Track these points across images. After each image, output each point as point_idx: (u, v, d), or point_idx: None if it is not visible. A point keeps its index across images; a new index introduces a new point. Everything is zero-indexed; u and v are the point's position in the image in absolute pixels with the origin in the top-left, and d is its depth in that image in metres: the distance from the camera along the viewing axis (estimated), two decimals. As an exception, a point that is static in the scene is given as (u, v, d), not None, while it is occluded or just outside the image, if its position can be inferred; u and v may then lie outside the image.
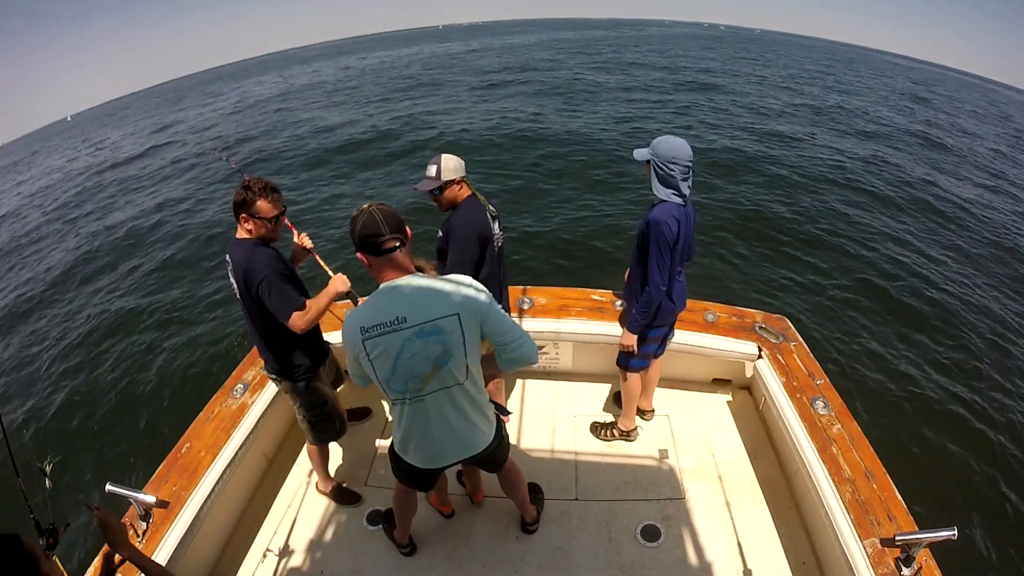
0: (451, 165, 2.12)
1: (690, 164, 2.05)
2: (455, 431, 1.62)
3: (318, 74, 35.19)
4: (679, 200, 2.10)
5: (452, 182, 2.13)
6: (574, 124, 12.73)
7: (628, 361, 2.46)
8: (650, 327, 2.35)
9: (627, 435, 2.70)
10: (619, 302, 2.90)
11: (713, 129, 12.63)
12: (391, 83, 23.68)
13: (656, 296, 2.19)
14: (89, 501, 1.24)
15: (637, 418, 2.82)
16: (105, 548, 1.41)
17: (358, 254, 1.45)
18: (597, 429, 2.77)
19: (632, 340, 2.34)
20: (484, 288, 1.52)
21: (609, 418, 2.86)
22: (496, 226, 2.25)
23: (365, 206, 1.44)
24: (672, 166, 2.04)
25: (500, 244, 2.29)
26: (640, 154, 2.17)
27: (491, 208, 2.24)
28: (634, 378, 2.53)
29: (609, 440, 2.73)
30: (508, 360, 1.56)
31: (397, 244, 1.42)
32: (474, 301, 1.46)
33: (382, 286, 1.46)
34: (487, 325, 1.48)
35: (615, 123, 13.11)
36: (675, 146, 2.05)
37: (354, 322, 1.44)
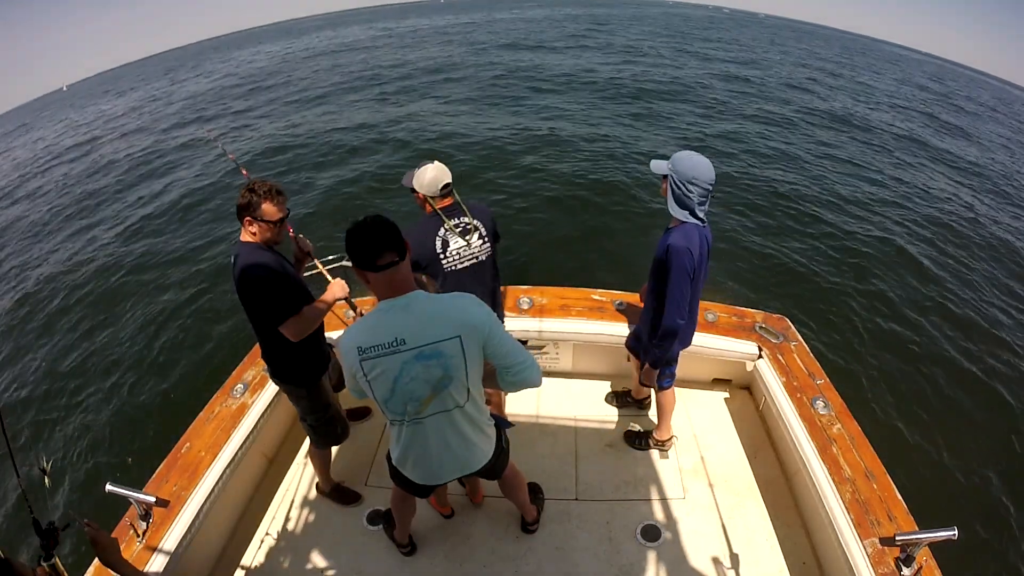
0: (424, 178, 2.09)
1: (710, 187, 1.91)
2: (454, 452, 1.60)
3: (360, 42, 33.61)
4: (696, 221, 1.96)
5: (415, 193, 2.15)
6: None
7: (661, 382, 2.39)
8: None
9: (662, 444, 2.63)
10: (619, 302, 2.90)
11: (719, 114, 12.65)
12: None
13: (673, 328, 2.05)
14: (79, 516, 1.24)
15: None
16: (97, 563, 1.41)
17: (354, 270, 1.38)
18: (632, 438, 2.71)
19: (654, 377, 2.26)
20: (488, 307, 1.47)
21: (614, 418, 2.87)
22: (457, 243, 2.12)
23: (361, 219, 1.36)
24: (691, 187, 1.89)
25: (466, 263, 2.15)
26: (658, 166, 2.01)
27: (460, 222, 2.13)
28: (668, 392, 2.48)
29: (644, 449, 2.67)
30: (510, 383, 1.52)
31: (396, 259, 1.34)
32: (477, 322, 1.40)
33: (380, 304, 1.40)
34: (490, 348, 1.43)
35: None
36: (697, 164, 1.90)
37: (351, 341, 1.40)
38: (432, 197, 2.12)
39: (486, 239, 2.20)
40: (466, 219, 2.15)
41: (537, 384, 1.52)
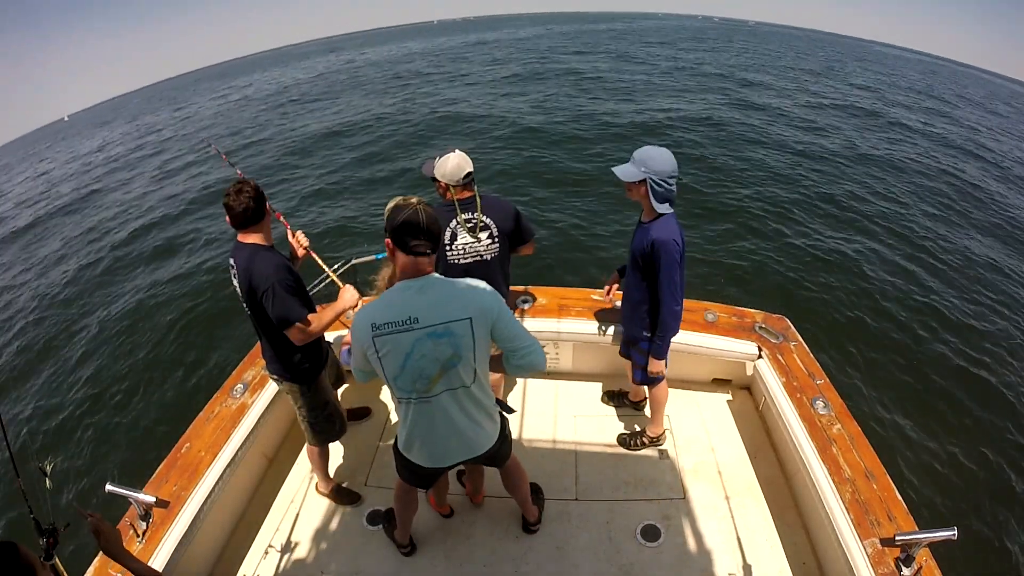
0: (447, 167, 2.09)
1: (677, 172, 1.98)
2: (460, 432, 1.63)
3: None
4: (671, 210, 2.03)
5: (436, 181, 2.15)
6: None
7: (652, 378, 2.40)
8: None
9: (656, 440, 2.66)
10: (619, 302, 2.90)
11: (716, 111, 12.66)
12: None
13: (674, 316, 2.11)
14: (83, 508, 1.25)
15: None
16: (97, 563, 1.41)
17: (387, 240, 1.46)
18: (626, 441, 2.70)
19: (661, 367, 2.28)
20: (497, 293, 1.53)
21: (614, 418, 2.87)
22: (465, 238, 2.14)
23: (413, 200, 1.45)
24: (671, 180, 1.95)
25: (468, 260, 2.18)
26: (629, 174, 1.99)
27: (473, 218, 2.13)
28: (662, 386, 2.49)
29: (640, 449, 2.67)
30: (516, 366, 1.57)
31: (427, 250, 1.43)
32: (487, 306, 1.47)
33: (398, 284, 1.48)
34: (497, 330, 1.49)
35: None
36: (670, 158, 1.95)
37: (366, 317, 1.46)
38: (454, 186, 2.11)
39: (496, 239, 2.18)
40: (478, 215, 2.14)
41: (542, 368, 1.58)
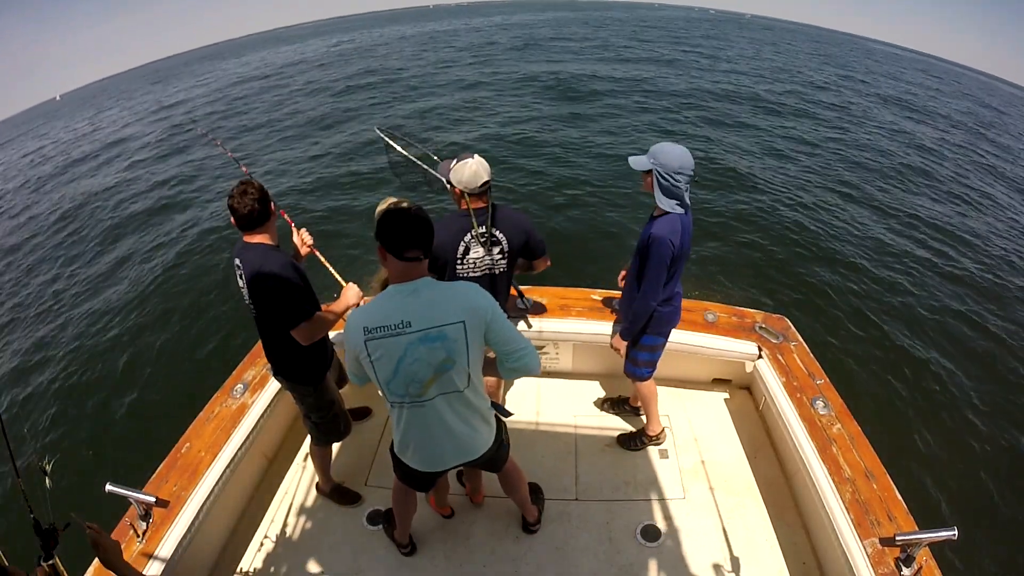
0: (464, 173, 1.99)
1: (692, 174, 1.97)
2: (454, 436, 1.61)
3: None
4: (682, 210, 2.02)
5: (451, 186, 2.07)
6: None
7: (638, 371, 2.44)
8: (657, 335, 2.34)
9: (656, 439, 2.66)
10: (617, 301, 2.90)
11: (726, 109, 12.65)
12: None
13: (645, 310, 2.17)
14: (81, 519, 1.24)
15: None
16: (97, 563, 1.42)
17: (378, 245, 1.42)
18: (626, 441, 2.70)
19: (622, 345, 2.35)
20: (490, 296, 1.51)
21: (614, 418, 2.88)
22: (478, 252, 2.08)
23: (404, 204, 1.42)
24: (678, 176, 1.96)
25: (478, 274, 2.12)
26: (639, 163, 2.02)
27: (488, 233, 2.05)
28: (647, 384, 2.50)
29: (640, 449, 2.67)
30: (510, 369, 1.56)
31: (420, 256, 1.41)
32: (480, 309, 1.45)
33: (390, 287, 1.46)
34: (491, 333, 1.48)
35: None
36: (681, 155, 1.96)
37: (358, 322, 1.44)
38: (469, 194, 2.02)
39: (506, 254, 2.13)
40: (490, 228, 2.06)
41: (536, 371, 1.57)
